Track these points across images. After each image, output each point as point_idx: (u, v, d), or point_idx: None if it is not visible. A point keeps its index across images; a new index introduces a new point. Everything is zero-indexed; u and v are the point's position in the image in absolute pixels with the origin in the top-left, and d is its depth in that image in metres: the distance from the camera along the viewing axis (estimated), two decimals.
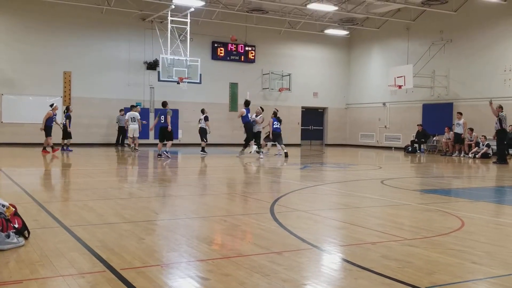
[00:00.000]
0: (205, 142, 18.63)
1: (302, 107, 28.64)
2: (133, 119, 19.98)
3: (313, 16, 25.58)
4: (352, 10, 23.73)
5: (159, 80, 22.23)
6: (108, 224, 5.57)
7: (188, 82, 21.96)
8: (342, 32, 27.65)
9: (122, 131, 22.53)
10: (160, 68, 21.77)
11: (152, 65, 24.20)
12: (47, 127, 17.92)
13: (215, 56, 26.10)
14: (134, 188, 9.43)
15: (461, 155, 20.39)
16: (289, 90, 27.59)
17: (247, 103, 18.26)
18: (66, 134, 19.19)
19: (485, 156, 19.25)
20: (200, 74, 22.37)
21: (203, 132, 18.79)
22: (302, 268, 3.99)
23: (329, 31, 27.16)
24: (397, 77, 23.20)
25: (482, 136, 19.89)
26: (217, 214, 6.47)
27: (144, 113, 24.55)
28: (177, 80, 21.66)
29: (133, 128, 19.96)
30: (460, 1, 22.40)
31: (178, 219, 6.24)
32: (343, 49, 29.41)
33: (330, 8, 22.59)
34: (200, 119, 19.20)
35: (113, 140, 22.97)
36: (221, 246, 4.82)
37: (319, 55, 28.88)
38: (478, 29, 22.02)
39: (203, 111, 19.28)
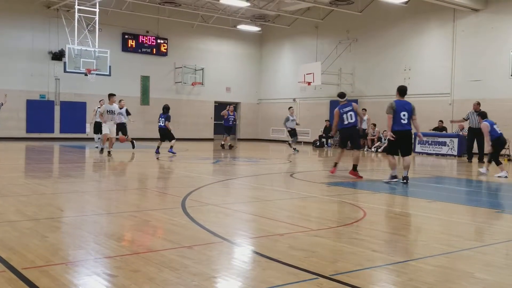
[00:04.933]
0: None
1: (215, 102, 28.65)
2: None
3: (226, 11, 25.65)
4: (264, 7, 24.09)
5: (65, 71, 21.18)
6: (8, 222, 5.27)
7: (96, 74, 21.14)
8: (254, 28, 28.01)
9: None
10: (66, 59, 20.76)
11: (58, 55, 23.04)
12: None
13: (125, 48, 25.38)
14: (36, 184, 8.95)
15: (365, 149, 21.48)
16: (202, 84, 27.52)
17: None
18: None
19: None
20: (110, 66, 21.60)
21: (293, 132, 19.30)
22: (212, 261, 4.03)
23: (242, 27, 27.41)
24: (307, 74, 23.94)
25: (384, 131, 21.06)
26: (127, 210, 6.35)
27: (49, 106, 23.40)
28: (84, 71, 20.78)
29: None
30: (365, 2, 23.52)
31: (85, 215, 6.02)
32: (256, 45, 29.81)
33: (243, 3, 22.76)
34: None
35: (16, 134, 21.67)
36: (131, 242, 4.73)
37: (232, 50, 29.04)
38: (382, 29, 23.26)
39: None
